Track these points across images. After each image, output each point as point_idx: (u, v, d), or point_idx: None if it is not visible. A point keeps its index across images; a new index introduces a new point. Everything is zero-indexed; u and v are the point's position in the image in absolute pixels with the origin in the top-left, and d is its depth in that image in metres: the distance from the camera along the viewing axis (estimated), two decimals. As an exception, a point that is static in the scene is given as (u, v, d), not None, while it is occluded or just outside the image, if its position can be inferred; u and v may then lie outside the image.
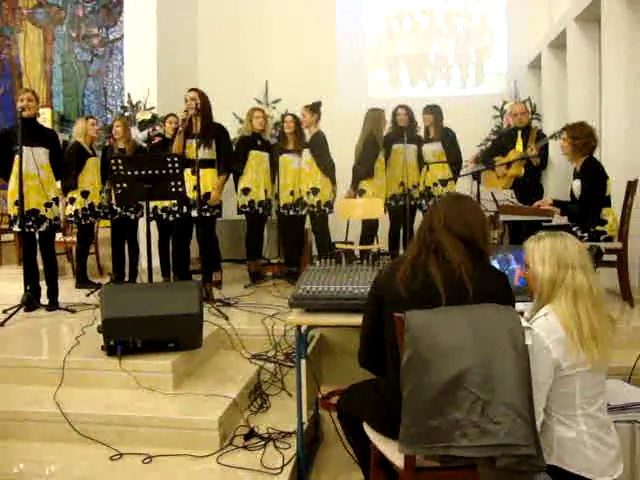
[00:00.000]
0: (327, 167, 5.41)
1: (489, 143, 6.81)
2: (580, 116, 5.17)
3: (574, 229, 4.10)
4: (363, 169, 5.49)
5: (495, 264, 2.71)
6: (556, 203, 4.30)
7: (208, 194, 4.80)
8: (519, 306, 2.02)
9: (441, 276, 1.91)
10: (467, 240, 1.98)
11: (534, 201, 4.53)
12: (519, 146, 5.24)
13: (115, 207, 5.45)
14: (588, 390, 1.89)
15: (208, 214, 4.83)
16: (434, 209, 2.10)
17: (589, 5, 5.23)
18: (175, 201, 4.92)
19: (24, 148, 4.23)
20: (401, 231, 5.91)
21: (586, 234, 4.09)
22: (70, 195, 5.27)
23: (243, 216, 5.59)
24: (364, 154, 5.50)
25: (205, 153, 4.78)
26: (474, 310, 1.84)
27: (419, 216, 5.91)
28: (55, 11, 8.57)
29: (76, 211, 5.30)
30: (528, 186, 5.16)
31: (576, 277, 1.91)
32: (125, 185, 3.96)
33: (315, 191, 5.38)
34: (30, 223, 4.35)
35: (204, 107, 4.78)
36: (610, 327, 1.94)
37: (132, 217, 5.49)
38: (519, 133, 5.31)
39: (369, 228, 5.63)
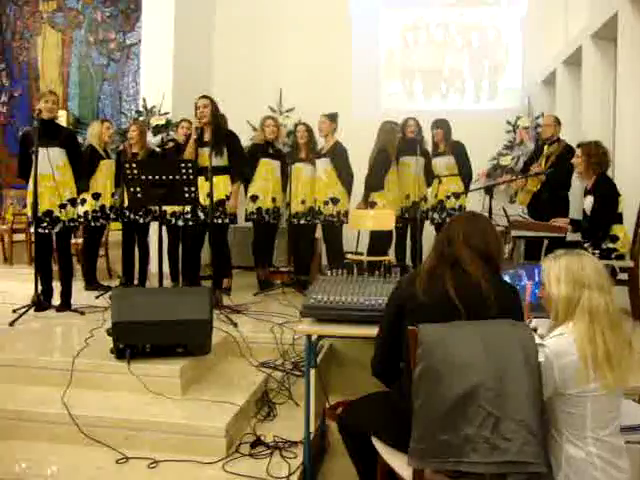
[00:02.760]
0: (347, 178, 5.44)
1: (508, 157, 6.84)
2: (594, 133, 5.18)
3: (585, 245, 4.10)
4: (373, 182, 5.51)
5: (506, 279, 2.70)
6: (572, 222, 4.30)
7: (220, 201, 4.81)
8: (532, 322, 2.01)
9: (457, 290, 1.92)
10: (484, 255, 1.99)
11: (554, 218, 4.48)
12: (543, 160, 5.18)
13: (125, 210, 5.47)
14: (601, 414, 1.85)
15: (220, 221, 4.83)
16: (452, 224, 2.12)
17: (605, 23, 5.24)
18: (186, 207, 4.93)
19: (40, 149, 4.26)
20: (407, 243, 5.91)
21: (597, 251, 4.08)
22: (81, 196, 5.21)
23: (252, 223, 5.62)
24: (375, 167, 5.52)
25: (217, 160, 4.74)
26: (487, 326, 1.84)
27: (428, 228, 5.91)
28: (74, 15, 8.67)
29: (86, 212, 5.32)
30: (548, 203, 5.01)
31: (592, 298, 1.87)
32: (139, 189, 3.97)
33: (335, 201, 5.40)
34: (45, 224, 4.38)
35: (215, 114, 4.80)
36: (627, 350, 1.90)
37: (141, 221, 5.48)
38: (545, 147, 5.26)
39: (379, 240, 5.62)
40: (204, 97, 4.85)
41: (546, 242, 4.75)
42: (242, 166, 5.09)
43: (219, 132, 4.77)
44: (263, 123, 5.66)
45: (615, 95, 5.24)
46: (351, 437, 2.25)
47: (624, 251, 4.14)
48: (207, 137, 4.79)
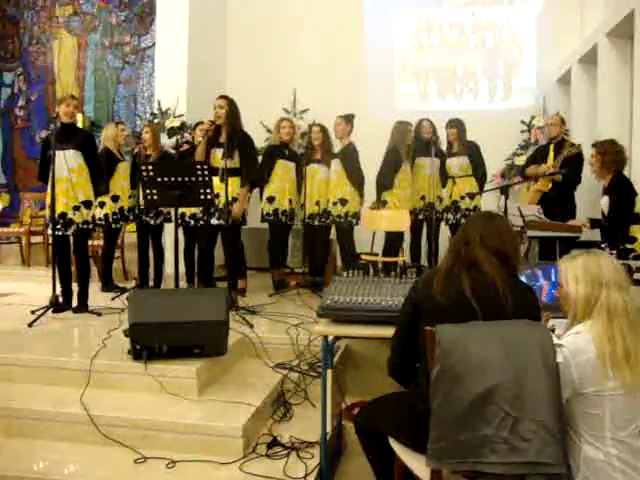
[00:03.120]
0: (357, 179, 5.43)
1: (523, 157, 6.79)
2: (610, 132, 5.13)
3: (602, 246, 4.06)
4: (382, 180, 5.51)
5: (523, 280, 2.69)
6: (592, 221, 4.26)
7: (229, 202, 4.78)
8: (550, 322, 2.00)
9: (474, 291, 1.92)
10: (501, 255, 1.99)
11: (564, 218, 4.46)
12: (550, 160, 5.16)
13: (137, 212, 5.51)
14: (620, 415, 1.82)
15: (230, 222, 4.78)
16: (469, 225, 2.12)
17: (621, 21, 5.19)
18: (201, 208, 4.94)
19: (57, 152, 4.30)
20: (422, 244, 5.89)
21: (614, 252, 4.04)
22: (100, 199, 5.24)
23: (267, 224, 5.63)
24: (384, 166, 5.53)
25: (228, 162, 4.67)
26: (505, 326, 1.83)
27: (443, 229, 5.90)
28: (90, 19, 8.75)
29: (106, 215, 5.37)
30: (557, 202, 5.00)
31: (611, 296, 1.86)
32: (155, 191, 3.99)
33: (343, 202, 5.39)
34: (59, 226, 4.42)
35: (231, 115, 4.75)
36: None
37: (152, 222, 5.52)
38: (551, 147, 5.23)
39: (393, 240, 5.61)
40: (222, 97, 4.84)
41: (559, 243, 4.72)
42: (251, 170, 4.94)
43: (232, 134, 4.76)
44: (279, 125, 5.66)
45: (632, 93, 5.19)
46: (368, 437, 2.24)
47: (642, 251, 4.08)
48: (222, 138, 4.79)
